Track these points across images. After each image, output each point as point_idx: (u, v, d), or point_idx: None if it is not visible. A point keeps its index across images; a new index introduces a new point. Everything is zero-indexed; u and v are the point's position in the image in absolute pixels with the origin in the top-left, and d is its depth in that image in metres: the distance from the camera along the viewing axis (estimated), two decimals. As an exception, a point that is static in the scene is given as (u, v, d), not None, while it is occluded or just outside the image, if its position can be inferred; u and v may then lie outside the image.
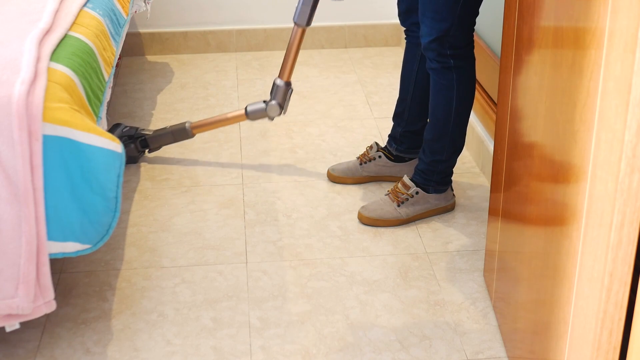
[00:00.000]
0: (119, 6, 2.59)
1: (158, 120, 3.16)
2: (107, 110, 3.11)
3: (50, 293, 1.84)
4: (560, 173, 1.48)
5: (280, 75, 2.62)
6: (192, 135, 2.80)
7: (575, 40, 1.38)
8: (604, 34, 1.24)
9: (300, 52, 3.77)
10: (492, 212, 2.13)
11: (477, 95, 2.86)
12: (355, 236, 2.45)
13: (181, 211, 2.58)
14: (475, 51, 2.86)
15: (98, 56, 2.16)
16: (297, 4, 2.52)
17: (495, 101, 2.71)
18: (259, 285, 2.24)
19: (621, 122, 1.18)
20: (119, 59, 3.40)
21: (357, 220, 2.52)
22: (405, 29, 2.57)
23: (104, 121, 2.18)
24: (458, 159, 2.76)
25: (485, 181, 2.75)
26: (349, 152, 2.92)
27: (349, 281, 2.25)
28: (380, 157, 2.68)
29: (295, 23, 2.53)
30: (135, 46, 3.75)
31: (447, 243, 2.42)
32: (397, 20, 3.82)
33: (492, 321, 2.10)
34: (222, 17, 3.77)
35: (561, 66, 1.47)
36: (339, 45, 3.85)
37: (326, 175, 2.77)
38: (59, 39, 2.04)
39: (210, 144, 2.97)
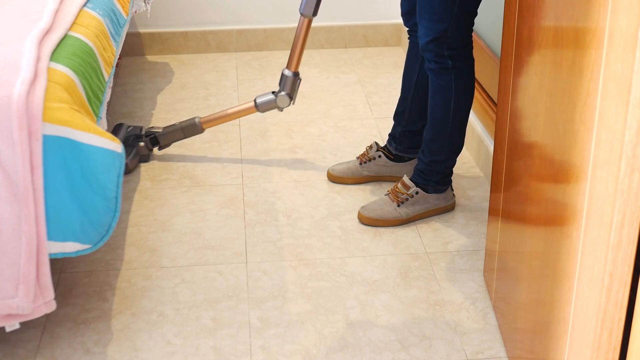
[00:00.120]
0: (119, 6, 2.59)
1: (158, 120, 3.16)
2: (107, 110, 3.11)
3: (50, 293, 1.84)
4: (560, 173, 1.48)
5: (288, 66, 2.65)
6: (202, 130, 2.81)
7: (575, 40, 1.38)
8: (604, 34, 1.24)
9: (300, 52, 3.78)
10: (492, 212, 2.13)
11: (477, 95, 2.86)
12: (355, 236, 2.45)
13: (181, 211, 2.58)
14: (475, 51, 2.87)
15: (98, 56, 2.16)
16: None
17: (495, 101, 2.71)
18: (259, 285, 2.24)
19: (621, 122, 1.18)
20: (119, 59, 3.40)
21: (357, 220, 2.52)
22: (408, 29, 2.57)
23: (104, 121, 2.18)
24: (458, 159, 2.76)
25: (485, 181, 2.75)
26: (349, 152, 2.92)
27: (349, 281, 2.25)
28: (380, 156, 2.69)
29: (301, 14, 2.55)
30: (135, 46, 3.75)
31: (447, 243, 2.42)
32: (397, 20, 3.82)
33: (492, 321, 2.10)
34: (222, 17, 3.77)
35: (561, 66, 1.47)
36: (339, 45, 3.85)
37: (326, 175, 2.77)
38: (59, 39, 2.04)
39: (210, 144, 2.97)
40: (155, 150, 2.90)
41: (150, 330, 2.07)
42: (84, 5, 2.32)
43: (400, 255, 2.36)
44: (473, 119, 2.88)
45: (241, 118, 3.17)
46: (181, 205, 2.61)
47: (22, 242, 1.78)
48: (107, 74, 2.22)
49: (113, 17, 2.47)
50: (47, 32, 2.04)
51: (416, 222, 2.51)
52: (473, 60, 2.39)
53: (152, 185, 2.73)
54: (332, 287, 2.23)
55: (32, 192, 1.76)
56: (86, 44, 2.12)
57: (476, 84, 2.91)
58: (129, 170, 2.78)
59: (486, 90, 2.85)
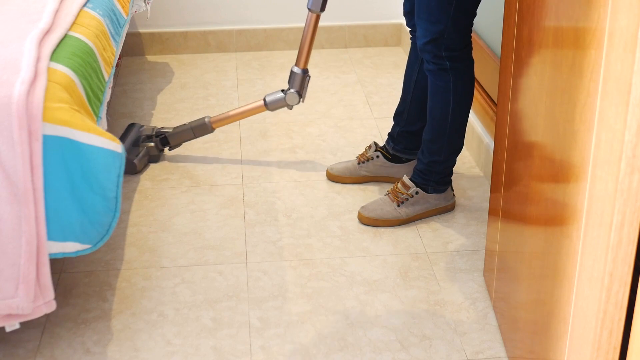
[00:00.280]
0: (119, 6, 2.59)
1: (158, 120, 3.16)
2: (107, 110, 3.11)
3: (50, 293, 1.84)
4: (560, 173, 1.48)
5: (297, 63, 2.64)
6: (212, 130, 2.81)
7: (575, 40, 1.38)
8: (604, 34, 1.24)
9: (300, 52, 3.78)
10: (492, 212, 2.13)
11: (477, 95, 2.86)
12: (355, 236, 2.45)
13: (181, 211, 2.58)
14: (475, 51, 2.87)
15: (98, 56, 2.16)
16: None
17: (495, 101, 2.71)
18: (259, 285, 2.24)
19: (621, 122, 1.18)
20: (119, 59, 3.40)
21: (357, 220, 2.52)
22: (409, 29, 2.57)
23: (104, 121, 2.18)
24: (458, 159, 2.76)
25: (485, 181, 2.75)
26: (349, 152, 2.92)
27: (349, 281, 2.25)
28: (378, 156, 2.68)
29: (309, 9, 2.53)
30: (135, 46, 3.75)
31: (447, 243, 2.42)
32: (397, 20, 3.83)
33: (492, 321, 2.10)
34: (222, 17, 3.77)
35: (561, 66, 1.47)
36: (339, 45, 3.85)
37: (325, 174, 2.77)
38: (59, 39, 2.04)
39: (210, 144, 2.97)
40: (166, 150, 2.90)
41: (150, 330, 2.07)
42: (84, 5, 2.32)
43: (400, 255, 2.36)
44: (473, 119, 2.88)
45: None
46: (181, 205, 2.61)
47: (22, 242, 1.78)
48: (107, 74, 2.22)
49: (113, 17, 2.47)
50: (47, 32, 2.04)
51: (416, 222, 2.51)
52: (472, 61, 2.38)
53: (152, 185, 2.73)
54: (332, 287, 2.23)
55: (32, 192, 1.76)
56: (86, 44, 2.12)
57: (476, 84, 2.91)
58: (137, 170, 2.77)
59: (486, 90, 2.85)
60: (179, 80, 3.53)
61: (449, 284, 2.24)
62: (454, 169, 2.57)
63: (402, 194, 2.49)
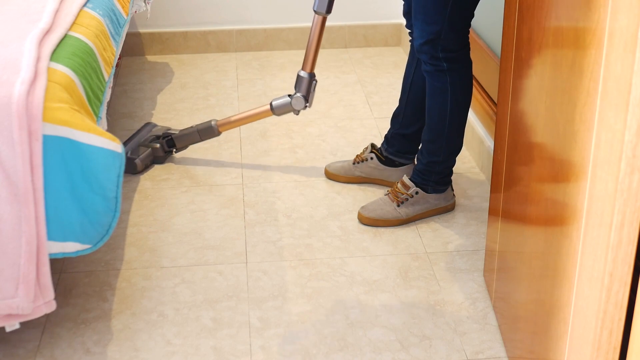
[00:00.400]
0: (119, 6, 2.59)
1: (158, 120, 3.16)
2: (107, 110, 3.11)
3: (50, 293, 1.84)
4: (560, 173, 1.48)
5: (303, 67, 2.59)
6: (219, 133, 2.80)
7: (575, 40, 1.38)
8: (604, 34, 1.24)
9: (301, 52, 3.78)
10: (492, 212, 2.13)
11: (477, 95, 2.86)
12: (355, 236, 2.45)
13: (181, 211, 2.58)
14: (475, 51, 2.87)
15: (98, 56, 2.16)
16: None
17: (495, 101, 2.71)
18: (259, 285, 2.24)
19: (621, 122, 1.18)
20: (119, 59, 3.40)
21: (357, 220, 2.52)
22: (409, 31, 2.57)
23: (104, 121, 2.18)
24: (458, 159, 2.76)
25: (485, 181, 2.75)
26: (348, 152, 2.92)
27: (349, 281, 2.25)
28: (372, 158, 2.68)
29: (315, 11, 2.48)
30: (135, 46, 3.75)
31: (447, 243, 2.42)
32: (397, 20, 3.83)
33: (492, 321, 2.10)
34: (222, 17, 3.77)
35: (561, 66, 1.47)
36: (339, 45, 3.85)
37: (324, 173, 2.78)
38: (59, 39, 2.04)
39: (210, 144, 2.97)
40: (174, 152, 2.90)
41: (150, 330, 2.07)
42: (84, 5, 2.32)
43: (400, 255, 2.36)
44: (473, 119, 2.88)
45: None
46: (181, 205, 2.61)
47: (22, 242, 1.78)
48: (107, 74, 2.22)
49: (113, 17, 2.47)
50: (47, 32, 2.04)
51: (416, 222, 2.51)
52: (470, 62, 2.38)
53: (152, 185, 2.73)
54: (332, 287, 2.23)
55: (32, 192, 1.76)
56: (86, 44, 2.12)
57: (476, 84, 2.91)
58: (137, 170, 2.77)
59: (486, 90, 2.85)
60: (179, 80, 3.53)
61: (449, 284, 2.24)
62: (454, 169, 2.57)
63: (402, 194, 2.49)
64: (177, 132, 2.85)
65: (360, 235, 2.46)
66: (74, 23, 2.18)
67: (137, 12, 3.06)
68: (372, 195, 2.65)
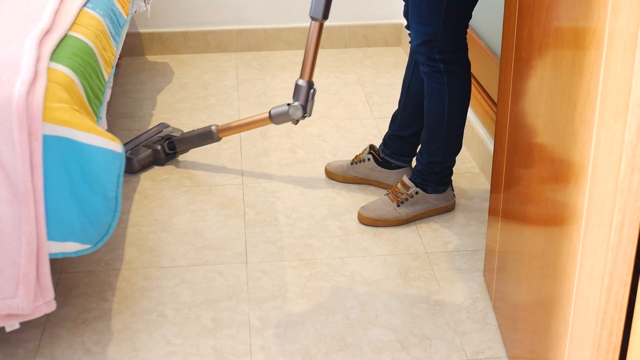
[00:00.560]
0: (119, 6, 2.59)
1: (158, 120, 3.16)
2: (107, 110, 3.12)
3: (50, 293, 1.84)
4: (560, 173, 1.48)
5: (301, 75, 2.50)
6: (218, 139, 2.76)
7: (575, 40, 1.38)
8: (604, 34, 1.24)
9: (301, 52, 3.78)
10: (492, 212, 2.13)
11: (477, 95, 2.86)
12: (355, 236, 2.45)
13: (181, 211, 2.58)
14: (475, 51, 2.87)
15: (98, 56, 2.16)
16: None
17: (495, 101, 2.71)
18: (259, 285, 2.24)
19: (621, 122, 1.18)
20: (119, 59, 3.40)
21: (357, 220, 2.52)
22: (409, 32, 2.57)
23: (104, 121, 2.18)
24: (458, 159, 2.76)
25: (485, 181, 2.75)
26: (348, 152, 2.92)
27: (349, 281, 2.25)
28: (369, 159, 2.68)
29: (311, 17, 2.41)
30: (135, 46, 3.75)
31: (447, 243, 2.42)
32: (397, 20, 3.83)
33: (492, 321, 2.10)
34: (222, 17, 3.77)
35: (561, 66, 1.47)
36: (339, 45, 3.85)
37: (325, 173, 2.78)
38: (59, 39, 2.04)
39: (210, 144, 2.97)
40: (177, 156, 2.89)
41: (150, 330, 2.07)
42: (84, 5, 2.32)
43: (400, 255, 2.36)
44: (473, 119, 2.88)
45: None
46: (181, 205, 2.61)
47: (22, 242, 1.78)
48: (107, 74, 2.22)
49: (113, 17, 2.47)
50: (47, 32, 2.04)
51: (416, 222, 2.51)
52: (468, 63, 2.38)
53: (152, 185, 2.73)
54: (332, 287, 2.23)
55: (32, 192, 1.76)
56: (86, 44, 2.12)
57: (476, 84, 2.91)
58: (134, 170, 2.76)
59: (486, 90, 2.85)
60: (179, 80, 3.53)
61: (449, 284, 2.24)
62: (454, 169, 2.57)
63: (402, 194, 2.49)
64: (178, 135, 2.85)
65: (360, 235, 2.46)
66: (74, 23, 2.18)
67: (137, 12, 3.06)
68: (372, 196, 2.65)
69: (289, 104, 2.54)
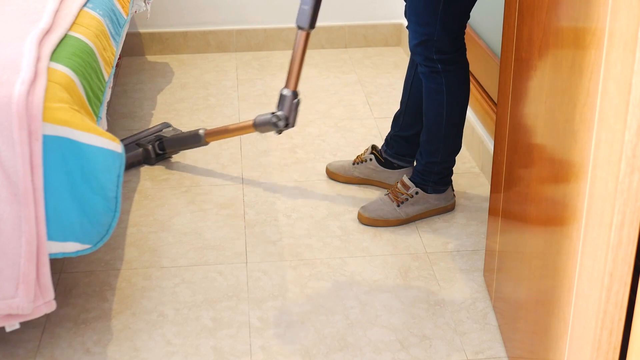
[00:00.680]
0: (119, 6, 2.59)
1: (158, 120, 3.16)
2: (107, 110, 3.12)
3: (50, 293, 1.84)
4: (560, 173, 1.48)
5: (286, 84, 2.43)
6: (206, 143, 2.75)
7: (575, 40, 1.38)
8: (604, 34, 1.24)
9: (300, 52, 3.78)
10: (492, 212, 2.13)
11: (477, 95, 2.86)
12: (355, 236, 2.45)
13: (181, 211, 2.58)
14: (475, 51, 2.87)
15: (98, 56, 2.16)
16: (299, 5, 2.34)
17: (495, 101, 2.71)
18: (259, 285, 2.24)
19: (621, 122, 1.18)
20: (119, 59, 3.40)
21: (357, 220, 2.52)
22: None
23: (104, 121, 2.18)
24: (458, 159, 2.76)
25: (485, 181, 2.75)
26: (348, 152, 2.92)
27: (349, 281, 2.25)
28: (371, 159, 2.68)
29: (297, 27, 2.34)
30: (135, 46, 3.75)
31: (447, 243, 2.42)
32: (397, 20, 3.83)
33: (492, 321, 2.10)
34: (222, 17, 3.77)
35: (561, 66, 1.47)
36: (339, 45, 3.85)
37: (326, 174, 2.78)
38: (59, 39, 2.04)
39: (210, 144, 2.97)
40: (167, 157, 2.88)
41: (150, 330, 2.07)
42: (84, 5, 2.32)
43: (400, 255, 2.36)
44: (473, 119, 2.88)
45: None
46: (181, 205, 2.61)
47: (22, 242, 1.78)
48: (107, 74, 2.22)
49: (113, 17, 2.47)
50: (47, 32, 2.04)
51: (416, 222, 2.51)
52: (466, 63, 2.37)
53: (152, 185, 2.73)
54: (332, 287, 2.23)
55: (32, 192, 1.76)
56: (86, 44, 2.12)
57: (476, 84, 2.91)
58: None
59: (486, 90, 2.85)
60: (179, 80, 3.53)
61: (449, 284, 2.24)
62: (454, 169, 2.57)
63: (402, 194, 2.49)
64: (168, 136, 2.83)
65: (360, 235, 2.46)
66: (74, 23, 2.18)
67: (137, 12, 3.06)
68: (372, 196, 2.65)
69: (272, 113, 2.47)
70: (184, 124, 3.11)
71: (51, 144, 1.77)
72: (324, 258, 2.35)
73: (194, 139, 2.76)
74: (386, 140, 2.67)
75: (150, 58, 3.75)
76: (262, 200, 2.64)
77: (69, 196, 1.80)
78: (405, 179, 2.51)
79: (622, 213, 1.22)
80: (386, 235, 2.45)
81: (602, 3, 1.25)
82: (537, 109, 1.65)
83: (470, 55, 2.68)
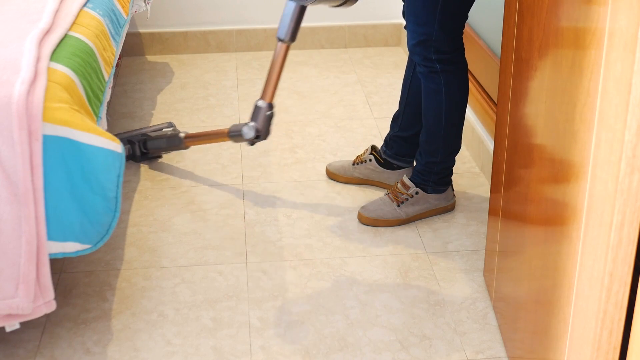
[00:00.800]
0: (119, 6, 2.59)
1: (158, 121, 3.16)
2: (107, 110, 3.12)
3: (50, 293, 1.84)
4: (560, 173, 1.48)
5: (262, 96, 2.36)
6: (186, 147, 2.72)
7: (575, 40, 1.38)
8: (604, 34, 1.24)
9: (300, 52, 3.78)
10: (492, 212, 2.13)
11: (477, 95, 2.86)
12: (355, 236, 2.45)
13: (181, 211, 2.58)
14: (475, 51, 2.87)
15: (98, 56, 2.16)
16: (280, 16, 2.27)
17: (495, 101, 2.71)
18: (259, 285, 2.24)
19: (621, 122, 1.18)
20: (119, 59, 3.40)
21: (357, 220, 2.52)
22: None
23: (104, 121, 2.18)
24: (458, 159, 2.76)
25: (485, 181, 2.75)
26: (348, 152, 2.92)
27: (349, 281, 2.25)
28: (370, 160, 2.68)
29: (278, 39, 2.27)
30: (135, 46, 3.75)
31: (447, 243, 2.42)
32: (397, 20, 3.83)
33: (492, 321, 2.10)
34: (222, 17, 3.77)
35: (561, 66, 1.47)
36: (339, 45, 3.85)
37: (325, 174, 2.78)
38: (59, 39, 2.04)
39: (210, 144, 2.97)
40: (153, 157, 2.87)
41: (150, 330, 2.07)
42: (84, 5, 2.32)
43: (400, 255, 2.36)
44: (473, 119, 2.88)
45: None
46: (181, 205, 2.61)
47: (22, 242, 1.78)
48: (107, 74, 2.22)
49: (113, 17, 2.47)
50: (47, 32, 2.04)
51: (416, 222, 2.51)
52: (465, 63, 2.37)
53: (152, 185, 2.73)
54: (332, 287, 2.23)
55: (32, 192, 1.76)
56: (86, 44, 2.12)
57: (476, 84, 2.91)
58: None
59: (486, 90, 2.85)
60: (179, 80, 3.53)
61: (449, 284, 2.24)
62: (454, 169, 2.57)
63: (402, 194, 2.49)
64: (151, 135, 2.79)
65: (360, 235, 2.46)
66: (74, 23, 2.18)
67: (137, 12, 3.06)
68: (372, 196, 2.65)
69: (245, 124, 2.41)
70: (184, 124, 3.11)
71: (51, 144, 1.77)
72: (324, 258, 2.35)
73: (174, 141, 2.72)
74: (385, 140, 2.67)
75: (150, 58, 3.76)
76: (262, 200, 2.64)
77: (69, 196, 1.80)
78: (405, 179, 2.51)
79: (622, 213, 1.22)
80: (386, 235, 2.45)
81: (602, 3, 1.25)
82: (537, 109, 1.65)
83: (470, 55, 2.68)
